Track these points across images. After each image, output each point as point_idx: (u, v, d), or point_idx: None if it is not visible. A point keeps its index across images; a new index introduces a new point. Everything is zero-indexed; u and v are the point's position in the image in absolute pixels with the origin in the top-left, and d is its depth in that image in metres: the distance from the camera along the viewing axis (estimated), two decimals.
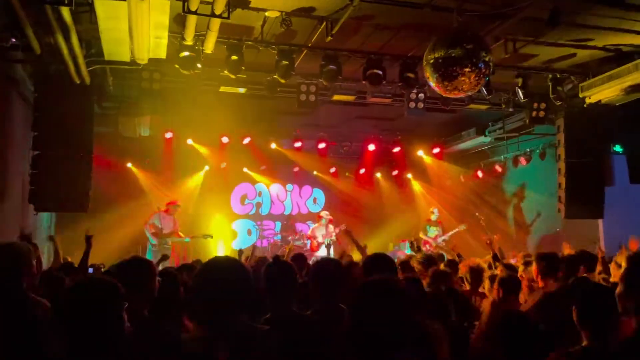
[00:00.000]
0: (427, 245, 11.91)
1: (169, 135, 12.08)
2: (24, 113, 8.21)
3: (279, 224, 14.42)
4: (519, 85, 8.93)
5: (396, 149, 14.16)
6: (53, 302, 3.01)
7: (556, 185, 10.19)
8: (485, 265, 5.57)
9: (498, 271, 5.30)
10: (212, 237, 11.86)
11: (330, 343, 2.74)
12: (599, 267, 5.49)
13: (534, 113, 9.84)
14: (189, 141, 12.62)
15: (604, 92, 8.91)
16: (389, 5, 6.66)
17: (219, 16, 5.99)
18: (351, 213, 14.58)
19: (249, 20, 7.15)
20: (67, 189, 7.51)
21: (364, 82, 8.33)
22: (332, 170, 14.93)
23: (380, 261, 3.68)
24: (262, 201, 14.70)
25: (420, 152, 14.54)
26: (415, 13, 6.87)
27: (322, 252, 12.07)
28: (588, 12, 6.73)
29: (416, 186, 15.35)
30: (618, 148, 10.71)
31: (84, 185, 7.71)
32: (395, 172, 15.36)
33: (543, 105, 9.76)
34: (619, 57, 8.43)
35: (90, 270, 5.90)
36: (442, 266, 5.75)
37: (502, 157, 13.31)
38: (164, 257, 7.29)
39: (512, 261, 6.91)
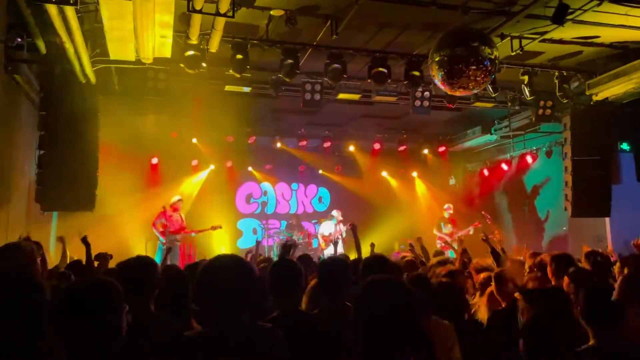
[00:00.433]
0: (441, 242, 11.85)
1: (174, 135, 12.09)
2: (30, 113, 8.23)
3: (284, 223, 14.42)
4: (525, 83, 8.88)
5: (401, 148, 14.14)
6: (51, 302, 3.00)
7: (563, 184, 10.15)
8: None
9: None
10: (220, 227, 11.87)
11: (335, 342, 2.73)
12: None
13: (540, 111, 9.80)
14: (194, 140, 12.62)
15: (611, 89, 8.87)
16: (394, 3, 6.64)
17: (224, 15, 5.99)
18: (357, 212, 14.55)
19: (253, 19, 7.15)
20: (73, 188, 7.53)
21: (369, 80, 8.32)
22: (338, 169, 14.92)
23: (377, 263, 3.65)
24: (268, 200, 14.70)
25: (426, 151, 14.50)
26: (421, 11, 6.85)
27: (329, 251, 12.11)
28: (594, 9, 6.68)
29: (422, 185, 15.31)
30: (625, 146, 10.65)
31: (90, 185, 7.73)
32: (400, 171, 15.32)
33: (549, 103, 9.71)
34: (626, 55, 8.38)
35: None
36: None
37: (508, 155, 13.26)
38: (169, 250, 7.32)
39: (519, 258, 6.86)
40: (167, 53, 6.92)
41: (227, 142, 12.66)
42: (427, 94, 9.28)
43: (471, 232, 11.91)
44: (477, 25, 7.10)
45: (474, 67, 5.77)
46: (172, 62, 7.51)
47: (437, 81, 6.17)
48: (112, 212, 10.66)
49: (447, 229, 12.25)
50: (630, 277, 2.81)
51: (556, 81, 9.03)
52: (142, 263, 3.13)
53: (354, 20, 7.10)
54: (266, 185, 14.71)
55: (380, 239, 12.94)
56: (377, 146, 13.75)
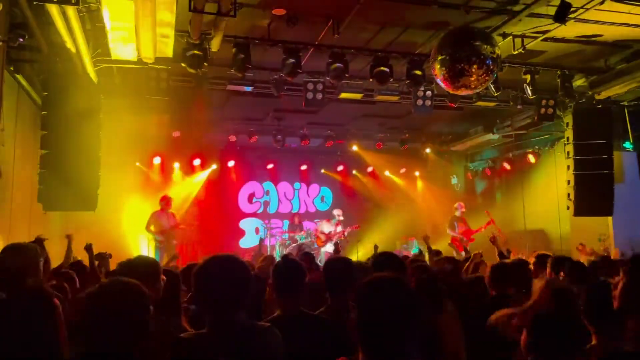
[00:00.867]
0: (454, 241, 11.83)
1: (176, 134, 12.11)
2: (32, 112, 8.25)
3: (286, 222, 14.43)
4: (527, 82, 8.86)
5: (403, 147, 14.12)
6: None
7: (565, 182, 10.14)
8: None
9: None
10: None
11: (338, 341, 2.73)
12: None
13: (543, 110, 9.78)
14: (196, 140, 12.63)
15: (614, 88, 8.85)
16: (396, 2, 6.63)
17: (226, 14, 5.99)
18: (358, 211, 14.57)
19: (255, 18, 7.14)
20: (75, 188, 7.53)
21: (371, 79, 8.31)
22: (340, 168, 14.92)
23: (388, 260, 3.64)
24: (270, 200, 14.71)
25: (428, 150, 14.49)
26: (423, 10, 6.84)
27: (328, 248, 12.17)
28: (596, 8, 6.66)
29: (423, 184, 15.30)
30: (628, 145, 10.62)
31: (92, 184, 7.73)
32: (402, 170, 15.31)
33: (551, 102, 9.70)
34: (629, 53, 8.36)
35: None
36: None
37: (510, 154, 13.24)
38: (174, 257, 7.34)
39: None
40: (169, 52, 6.92)
41: (229, 142, 12.67)
42: (429, 93, 9.27)
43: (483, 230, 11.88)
44: (479, 24, 7.09)
45: (476, 66, 5.77)
46: (173, 62, 7.51)
47: (439, 80, 6.17)
48: (114, 212, 10.67)
49: (460, 227, 12.19)
50: (628, 287, 2.78)
51: (558, 80, 9.00)
52: (147, 264, 3.12)
53: (356, 20, 7.09)
54: (268, 184, 14.73)
55: (382, 238, 12.96)
56: (379, 146, 13.74)
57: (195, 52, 7.24)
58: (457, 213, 12.40)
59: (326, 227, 12.58)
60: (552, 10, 6.42)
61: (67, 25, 5.80)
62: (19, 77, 7.48)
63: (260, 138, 12.75)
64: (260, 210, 14.55)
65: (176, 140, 12.34)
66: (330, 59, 7.96)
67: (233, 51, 7.50)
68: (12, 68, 7.03)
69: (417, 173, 15.23)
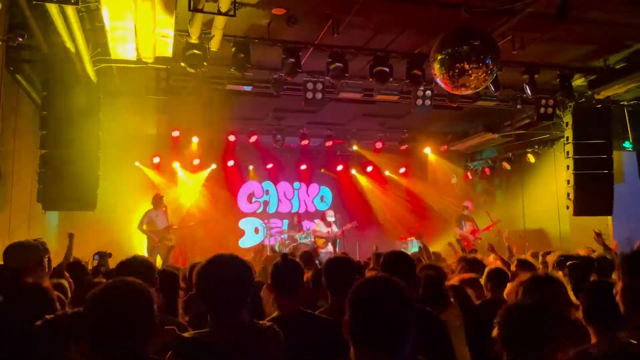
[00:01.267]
0: (462, 240, 11.81)
1: (175, 133, 12.11)
2: (31, 112, 8.24)
3: (286, 222, 14.44)
4: (527, 81, 8.86)
5: (403, 147, 14.14)
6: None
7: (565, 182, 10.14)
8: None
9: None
10: (207, 222, 11.98)
11: (337, 341, 2.72)
12: None
13: (542, 109, 9.78)
14: (195, 139, 12.63)
15: (613, 88, 8.85)
16: (395, 2, 6.63)
17: (225, 14, 5.99)
18: (358, 211, 14.58)
19: (255, 17, 7.14)
20: (74, 187, 7.53)
21: (370, 79, 8.31)
22: (340, 168, 14.92)
23: (399, 259, 3.52)
24: (269, 199, 14.71)
25: (428, 150, 14.49)
26: (422, 10, 6.83)
27: (329, 249, 12.18)
28: (597, 7, 6.66)
29: (423, 184, 15.30)
30: (627, 144, 10.62)
31: (92, 184, 7.73)
32: (402, 170, 15.31)
33: (551, 102, 9.70)
34: (629, 53, 8.36)
35: (96, 257, 5.91)
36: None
37: (510, 154, 13.24)
38: (170, 249, 7.34)
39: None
40: (168, 52, 6.92)
41: (229, 141, 12.67)
42: (428, 92, 9.27)
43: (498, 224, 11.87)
44: (478, 24, 7.09)
45: (475, 66, 5.76)
46: (173, 61, 7.51)
47: (439, 80, 6.16)
48: (113, 212, 10.67)
49: (468, 226, 12.17)
50: (628, 287, 2.77)
51: (558, 80, 9.01)
52: (140, 264, 3.12)
53: (356, 19, 7.09)
54: (268, 184, 14.74)
55: (381, 238, 12.98)
56: (378, 145, 13.74)
57: (195, 51, 7.24)
58: (465, 212, 12.38)
59: (323, 227, 12.56)
60: (552, 10, 6.42)
61: (66, 25, 5.80)
62: (18, 76, 7.48)
63: (259, 138, 12.75)
64: (260, 210, 14.56)
65: (175, 140, 12.34)
66: (330, 58, 7.96)
67: (232, 51, 7.50)
68: (11, 68, 7.03)
69: (416, 173, 15.24)
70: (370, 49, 8.18)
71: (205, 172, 13.52)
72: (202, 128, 12.23)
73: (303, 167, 14.65)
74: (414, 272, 3.54)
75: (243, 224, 14.35)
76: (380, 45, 8.17)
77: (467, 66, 5.77)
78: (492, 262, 6.26)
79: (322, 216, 12.96)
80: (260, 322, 2.53)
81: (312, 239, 12.80)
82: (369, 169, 15.08)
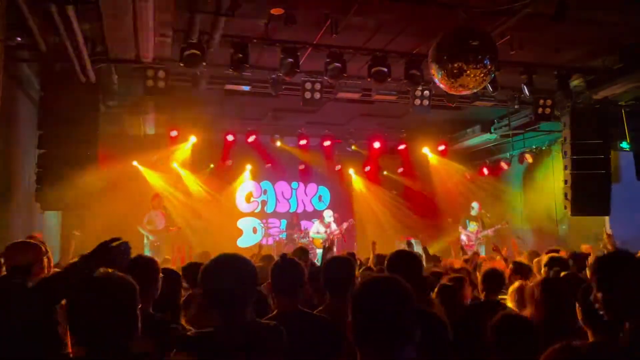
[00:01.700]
0: (467, 240, 11.80)
1: (174, 133, 12.10)
2: (29, 112, 8.24)
3: (284, 222, 14.44)
4: (525, 82, 8.88)
5: (401, 147, 14.15)
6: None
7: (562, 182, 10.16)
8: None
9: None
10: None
11: (337, 340, 2.74)
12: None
13: (540, 110, 9.80)
14: (194, 139, 12.62)
15: (611, 88, 8.87)
16: (394, 2, 6.63)
17: (224, 14, 5.99)
18: (356, 210, 14.59)
19: (253, 17, 7.14)
20: (72, 187, 7.52)
21: (369, 79, 8.31)
22: (338, 167, 14.92)
23: (405, 259, 3.43)
24: (268, 199, 14.72)
25: (426, 150, 14.51)
26: (421, 10, 6.84)
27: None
28: (595, 7, 6.68)
29: (421, 183, 15.31)
30: (625, 145, 10.64)
31: (90, 184, 7.72)
32: (400, 170, 15.32)
33: (549, 102, 9.72)
34: (627, 53, 8.37)
35: None
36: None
37: (508, 154, 13.26)
38: (166, 261, 7.36)
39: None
40: (167, 52, 6.93)
41: (227, 141, 12.66)
42: (427, 92, 9.28)
43: (506, 225, 11.82)
44: (477, 24, 7.10)
45: (473, 66, 5.78)
46: (171, 61, 7.51)
47: (437, 80, 6.17)
48: (112, 211, 10.66)
49: (472, 227, 12.12)
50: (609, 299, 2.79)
51: (556, 80, 9.03)
52: (144, 263, 3.13)
53: (354, 19, 7.09)
54: (266, 184, 14.74)
55: (381, 238, 12.97)
56: (377, 145, 13.75)
57: (194, 51, 7.24)
58: (473, 212, 12.35)
59: (321, 227, 12.55)
60: (550, 10, 6.44)
61: (65, 25, 5.80)
62: (16, 76, 7.47)
63: (258, 137, 12.75)
64: (258, 210, 14.56)
65: (174, 140, 12.34)
66: (329, 58, 7.96)
67: (231, 51, 7.51)
68: (10, 67, 7.02)
69: (414, 172, 15.24)
70: (369, 49, 8.19)
71: (204, 172, 13.51)
72: (200, 128, 12.23)
73: (301, 167, 14.65)
74: (421, 272, 3.52)
75: (241, 223, 14.35)
76: (379, 45, 8.18)
77: (465, 66, 5.78)
78: (498, 262, 6.29)
79: (320, 217, 12.96)
80: (264, 320, 2.55)
81: (310, 239, 12.79)
82: (367, 168, 15.08)
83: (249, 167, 14.11)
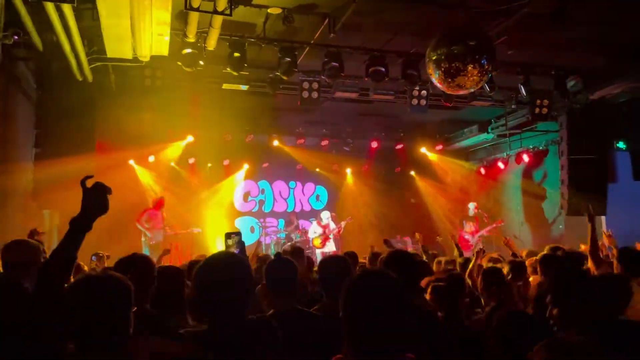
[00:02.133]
0: (467, 236, 11.81)
1: (171, 132, 12.09)
2: (26, 110, 8.22)
3: (282, 221, 14.44)
4: (522, 82, 8.89)
5: (399, 146, 14.15)
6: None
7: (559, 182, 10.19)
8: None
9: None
10: (200, 230, 11.99)
11: (333, 339, 2.74)
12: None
13: (537, 110, 9.81)
14: (191, 138, 12.61)
15: (608, 88, 8.89)
16: (391, 1, 6.64)
17: (221, 13, 5.99)
18: (354, 210, 14.58)
19: (251, 17, 7.14)
20: (69, 186, 7.51)
21: (366, 79, 8.32)
22: (335, 167, 14.93)
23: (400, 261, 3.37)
24: (265, 198, 14.72)
25: (423, 149, 14.52)
26: (418, 9, 6.85)
27: (326, 249, 12.16)
28: (592, 8, 6.69)
29: (419, 183, 15.33)
30: (622, 145, 10.67)
31: (87, 183, 7.70)
32: (397, 169, 15.34)
33: (546, 102, 9.73)
34: (623, 54, 8.39)
35: (93, 258, 5.90)
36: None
37: (505, 154, 13.28)
38: (165, 252, 7.33)
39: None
40: (165, 51, 6.92)
41: (225, 141, 12.65)
42: (424, 92, 9.30)
43: (500, 224, 11.83)
44: (474, 24, 7.11)
45: (471, 66, 5.78)
46: (169, 60, 7.50)
47: (435, 80, 6.18)
48: (109, 211, 10.64)
49: (469, 227, 12.13)
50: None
51: (553, 80, 9.04)
52: (140, 261, 3.13)
53: (352, 19, 7.09)
54: (264, 183, 14.74)
55: (376, 237, 12.97)
56: (374, 144, 13.77)
57: (191, 50, 7.24)
58: (470, 213, 12.36)
59: (318, 228, 12.53)
60: (548, 11, 6.45)
61: (62, 23, 5.80)
62: (13, 74, 7.46)
63: (255, 137, 12.74)
64: (256, 209, 14.56)
65: (172, 139, 12.33)
66: (326, 58, 7.96)
67: (229, 50, 7.50)
68: (7, 66, 7.01)
69: (412, 172, 15.26)
70: (366, 48, 8.19)
71: (201, 171, 13.50)
72: (197, 127, 12.22)
73: (299, 166, 14.65)
74: (415, 271, 3.52)
75: (239, 222, 14.34)
76: (376, 45, 8.19)
77: (462, 66, 5.79)
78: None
79: (317, 218, 12.95)
80: (258, 317, 2.55)
81: (307, 238, 12.80)
82: (364, 168, 15.09)
83: (246, 166, 14.10)
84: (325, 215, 12.61)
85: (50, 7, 5.40)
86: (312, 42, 7.90)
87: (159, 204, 11.28)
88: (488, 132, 12.63)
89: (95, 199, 2.38)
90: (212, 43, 7.04)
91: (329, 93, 9.39)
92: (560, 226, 11.68)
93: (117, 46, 6.66)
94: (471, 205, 12.46)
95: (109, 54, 6.96)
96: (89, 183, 2.35)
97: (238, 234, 4.19)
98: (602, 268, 4.90)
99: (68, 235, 2.26)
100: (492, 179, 14.32)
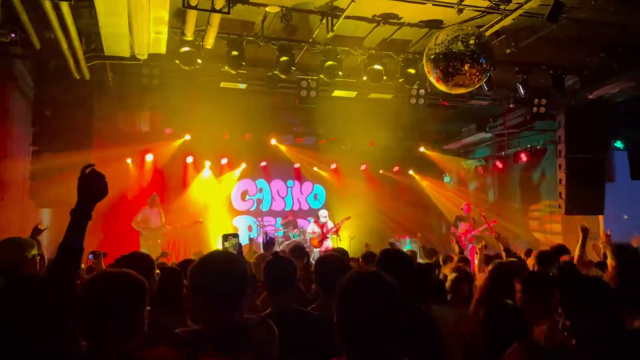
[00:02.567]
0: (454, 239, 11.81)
1: (168, 131, 12.07)
2: (23, 108, 8.20)
3: (279, 220, 14.43)
4: (520, 81, 8.89)
5: (397, 145, 14.14)
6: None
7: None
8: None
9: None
10: (201, 222, 11.97)
11: (329, 337, 2.73)
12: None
13: (535, 109, 9.81)
14: (188, 137, 12.59)
15: (606, 87, 8.89)
16: (390, 0, 6.63)
17: (219, 11, 5.98)
18: (352, 209, 14.56)
19: (249, 15, 7.13)
20: (67, 184, 7.49)
21: (364, 77, 8.31)
22: (333, 166, 14.92)
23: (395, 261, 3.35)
24: (263, 197, 14.70)
25: (421, 148, 14.52)
26: (417, 8, 6.84)
27: (324, 248, 12.17)
28: (590, 7, 6.69)
29: (417, 182, 15.33)
30: (619, 144, 10.68)
31: None
32: (395, 168, 15.34)
33: (544, 101, 9.73)
34: (621, 53, 8.40)
35: (90, 256, 5.88)
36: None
37: (503, 153, 13.28)
38: (163, 254, 7.32)
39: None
40: (162, 49, 6.90)
41: (223, 139, 12.64)
42: (422, 91, 9.29)
43: (476, 234, 11.83)
44: (472, 23, 7.11)
45: (469, 65, 5.77)
46: (167, 59, 7.48)
47: (433, 79, 6.17)
48: (106, 209, 10.63)
49: (463, 227, 12.15)
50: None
51: (551, 79, 9.04)
52: (141, 260, 3.12)
53: (350, 17, 7.08)
54: (261, 182, 14.72)
55: (375, 236, 12.99)
56: (372, 144, 13.75)
57: (189, 48, 7.22)
58: (463, 213, 12.38)
59: (316, 228, 12.53)
60: (545, 10, 6.44)
61: (60, 21, 5.77)
62: (11, 72, 7.44)
63: (253, 135, 12.72)
64: (253, 208, 14.55)
65: (169, 138, 12.31)
66: (324, 56, 7.96)
67: (227, 48, 7.48)
68: (4, 64, 6.99)
69: (410, 171, 15.26)
70: (365, 47, 8.19)
71: (199, 170, 13.48)
72: (195, 125, 12.19)
73: (297, 165, 14.64)
74: (410, 270, 3.51)
75: (236, 221, 14.32)
76: (375, 43, 8.18)
77: (460, 65, 5.78)
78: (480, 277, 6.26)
79: (315, 217, 12.97)
80: (253, 316, 2.53)
81: (305, 237, 12.79)
82: (362, 167, 15.08)
83: (244, 165, 14.08)
84: (323, 214, 12.61)
85: (47, 5, 5.37)
86: (310, 40, 7.88)
87: (153, 202, 11.26)
88: (486, 131, 12.64)
89: (93, 183, 2.33)
90: (210, 41, 7.02)
91: (327, 92, 9.37)
92: (558, 226, 11.69)
93: (114, 44, 6.63)
94: (464, 206, 12.50)
95: (107, 52, 6.93)
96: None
97: (235, 235, 4.18)
98: (591, 272, 5.04)
99: (70, 226, 2.27)
100: (491, 178, 14.33)
